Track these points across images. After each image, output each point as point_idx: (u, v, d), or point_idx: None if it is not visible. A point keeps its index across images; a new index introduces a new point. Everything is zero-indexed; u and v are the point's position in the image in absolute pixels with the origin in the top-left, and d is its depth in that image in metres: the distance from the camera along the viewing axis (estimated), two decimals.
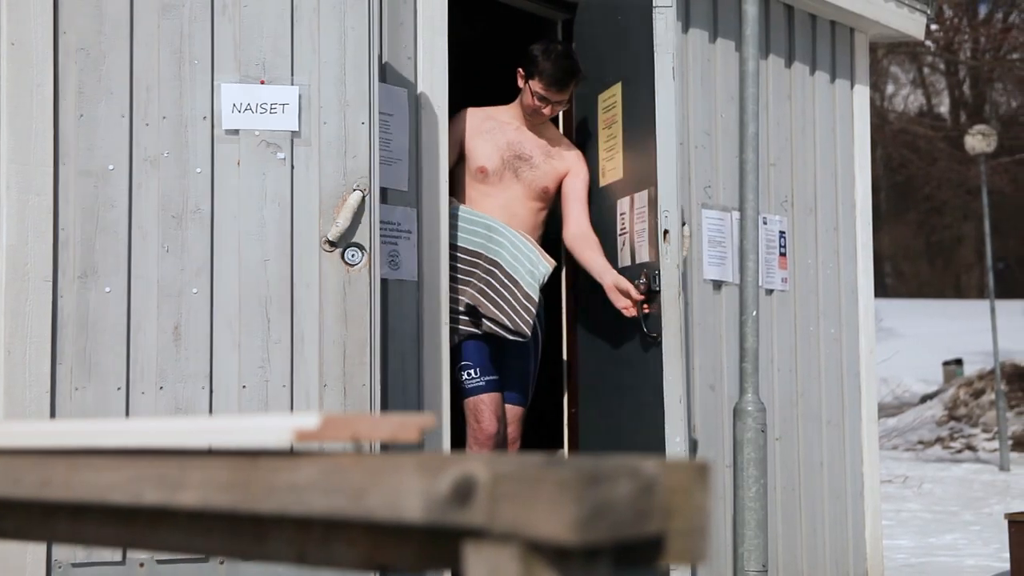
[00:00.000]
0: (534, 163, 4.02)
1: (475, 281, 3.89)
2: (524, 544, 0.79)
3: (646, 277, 3.77)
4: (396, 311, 3.61)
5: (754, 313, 4.01)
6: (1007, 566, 5.90)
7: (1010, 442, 15.39)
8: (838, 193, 5.42)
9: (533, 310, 3.90)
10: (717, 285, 4.79)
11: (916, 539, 7.88)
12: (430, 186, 3.73)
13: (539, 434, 4.97)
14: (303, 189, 3.20)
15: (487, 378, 3.92)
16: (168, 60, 3.17)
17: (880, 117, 25.02)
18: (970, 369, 19.59)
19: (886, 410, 19.03)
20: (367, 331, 3.18)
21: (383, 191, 3.60)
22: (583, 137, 4.28)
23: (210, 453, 1.01)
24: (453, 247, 3.85)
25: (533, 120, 3.98)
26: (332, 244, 3.15)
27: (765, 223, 4.99)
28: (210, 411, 3.11)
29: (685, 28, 4.74)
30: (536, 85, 3.89)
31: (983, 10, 23.17)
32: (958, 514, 9.43)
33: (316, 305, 3.17)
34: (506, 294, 3.88)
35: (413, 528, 0.87)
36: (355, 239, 3.17)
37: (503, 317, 3.86)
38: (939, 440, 16.89)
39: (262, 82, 3.21)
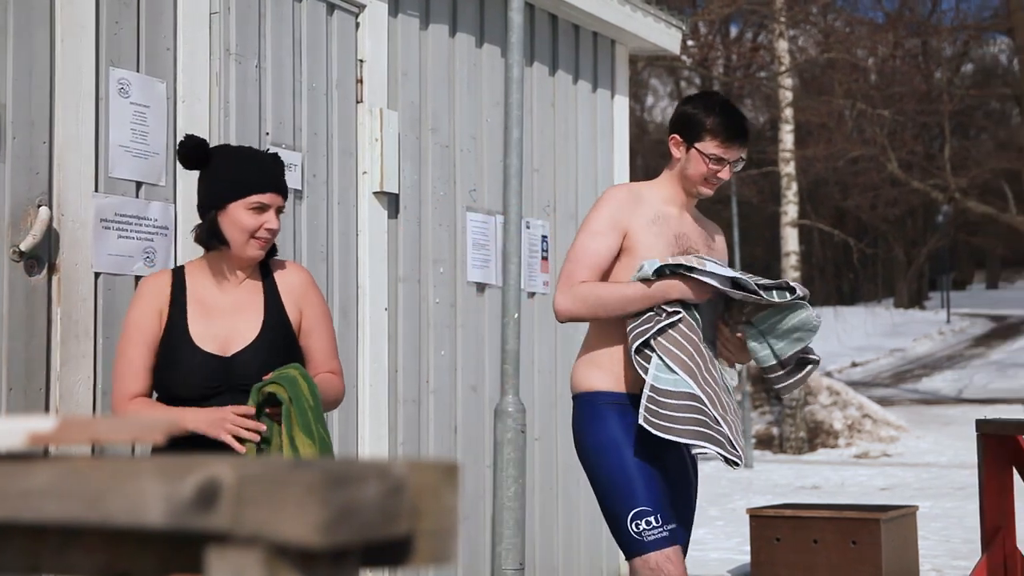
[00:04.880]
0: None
1: (700, 378, 3.03)
2: (269, 547, 0.77)
3: None
4: None
5: (516, 315, 4.08)
6: (748, 558, 6.21)
7: (754, 441, 16.24)
8: None
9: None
10: (480, 287, 4.85)
11: None
12: (190, 180, 3.62)
13: None
14: None
15: (670, 526, 3.03)
16: None
17: (640, 127, 25.96)
18: None
19: None
20: (44, 338, 3.21)
21: (137, 185, 3.48)
22: None
23: None
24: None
25: (702, 194, 3.25)
26: (20, 255, 3.16)
27: (528, 227, 5.08)
28: None
29: (452, 32, 4.78)
30: (710, 146, 3.19)
31: (735, 29, 24.39)
32: (705, 510, 9.86)
33: (3, 312, 3.09)
34: (728, 401, 3.11)
35: (155, 534, 0.84)
36: (37, 251, 3.19)
37: (731, 433, 3.05)
38: None
39: None
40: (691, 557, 7.10)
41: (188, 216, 3.61)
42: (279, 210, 2.73)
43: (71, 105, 3.28)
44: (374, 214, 4.32)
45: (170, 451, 2.56)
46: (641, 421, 2.93)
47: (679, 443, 2.98)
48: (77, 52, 3.30)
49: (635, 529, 2.98)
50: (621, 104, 5.78)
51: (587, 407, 3.12)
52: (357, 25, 4.31)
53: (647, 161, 30.11)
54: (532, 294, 5.12)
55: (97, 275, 3.34)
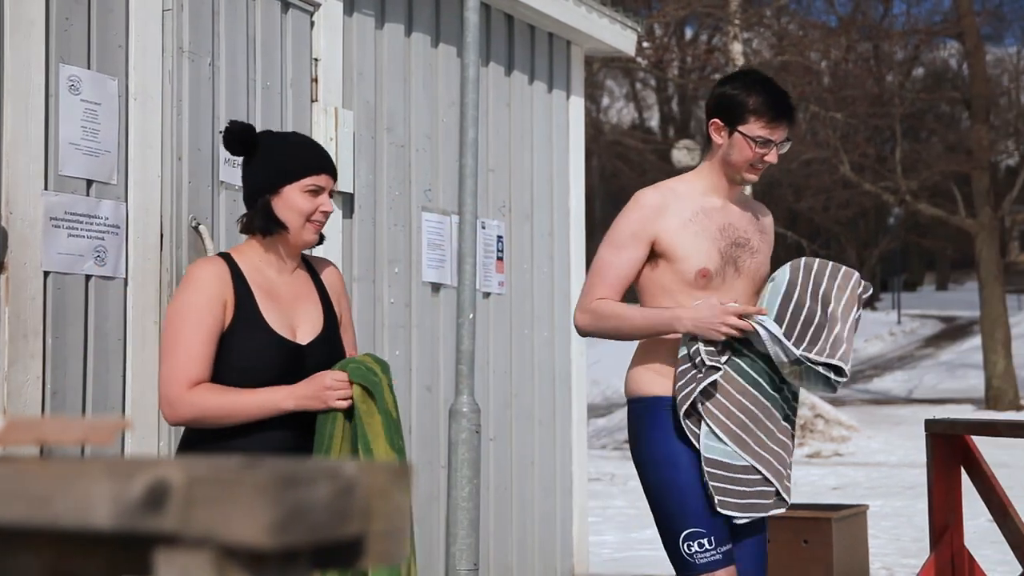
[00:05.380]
0: (752, 247, 3.11)
1: (753, 443, 2.95)
2: (218, 549, 0.77)
3: None
4: (100, 310, 3.45)
5: (471, 316, 4.08)
6: None
7: None
8: (553, 200, 5.59)
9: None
10: (435, 287, 4.85)
11: (620, 534, 8.22)
12: (142, 179, 3.59)
13: None
14: None
15: (724, 547, 2.94)
16: None
17: (595, 128, 26.02)
18: None
19: (596, 411, 19.78)
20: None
21: (88, 183, 3.44)
22: None
23: None
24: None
25: (746, 180, 3.07)
26: None
27: (483, 227, 5.08)
28: None
29: (408, 32, 4.77)
30: (755, 128, 2.99)
31: (689, 31, 24.52)
32: None
33: None
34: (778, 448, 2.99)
35: (102, 535, 0.83)
36: None
37: (780, 481, 2.96)
38: None
39: None
40: (643, 556, 7.14)
41: (139, 215, 3.57)
42: (330, 194, 2.68)
43: (20, 102, 3.24)
44: None
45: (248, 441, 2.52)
46: (719, 508, 2.88)
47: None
48: (27, 48, 3.26)
49: (687, 551, 2.90)
50: (576, 105, 5.79)
51: (645, 414, 2.99)
52: (312, 23, 4.29)
53: (602, 162, 30.21)
54: (487, 294, 5.12)
55: (46, 274, 3.30)
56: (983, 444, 3.43)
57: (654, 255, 3.00)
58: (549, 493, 5.42)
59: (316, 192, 2.62)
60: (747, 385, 2.91)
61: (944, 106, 30.07)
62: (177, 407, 2.51)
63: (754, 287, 3.06)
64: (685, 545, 2.89)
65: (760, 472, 2.90)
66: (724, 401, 2.89)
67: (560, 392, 5.55)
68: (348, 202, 4.41)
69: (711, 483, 2.88)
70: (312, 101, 4.28)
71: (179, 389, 2.51)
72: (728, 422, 2.88)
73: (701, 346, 2.86)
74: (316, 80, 4.29)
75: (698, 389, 2.85)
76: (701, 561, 2.88)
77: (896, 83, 23.44)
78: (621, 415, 19.05)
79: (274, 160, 2.63)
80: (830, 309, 2.94)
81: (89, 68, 3.46)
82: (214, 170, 3.81)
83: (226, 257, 2.66)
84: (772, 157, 3.01)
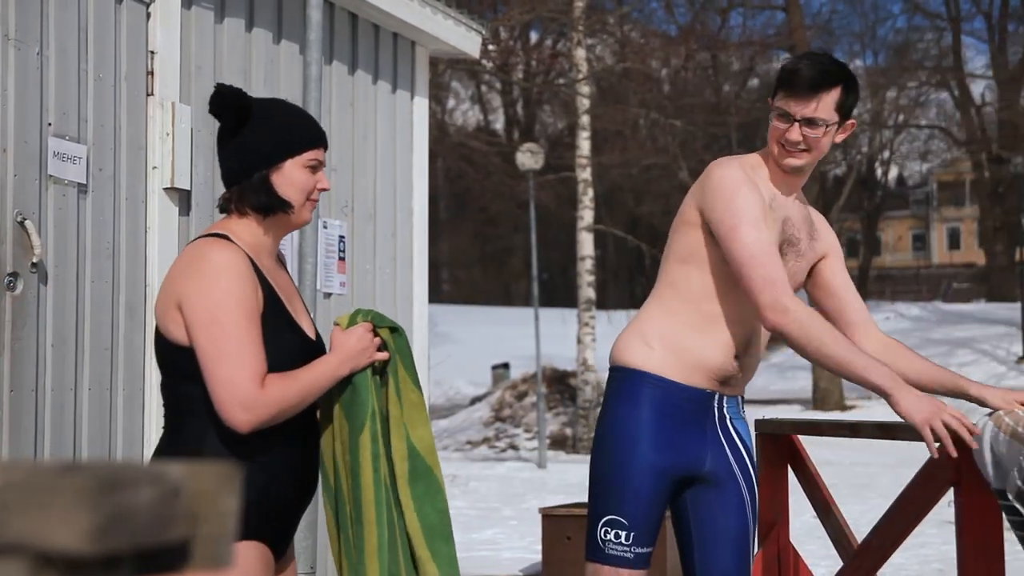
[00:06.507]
0: (800, 249, 2.80)
1: None
2: (34, 556, 0.74)
3: None
4: None
5: (312, 316, 4.03)
6: (540, 556, 6.31)
7: (548, 441, 16.52)
8: (397, 201, 5.57)
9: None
10: None
11: (460, 535, 8.23)
12: None
13: None
14: None
15: (641, 549, 2.72)
16: None
17: (440, 129, 26.05)
18: (516, 373, 20.83)
19: (438, 412, 19.78)
20: None
21: None
22: None
23: None
24: None
25: (784, 166, 2.70)
26: None
27: (325, 227, 5.03)
28: None
29: (249, 27, 4.68)
30: (778, 98, 2.68)
31: (535, 35, 24.77)
32: (499, 510, 9.99)
33: None
34: None
35: None
36: None
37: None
38: (486, 440, 17.81)
39: None
40: (484, 557, 7.17)
41: None
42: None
43: None
44: (164, 211, 4.20)
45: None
46: None
47: (726, 461, 2.74)
48: None
49: (601, 535, 2.71)
50: (421, 105, 5.78)
51: (625, 384, 2.72)
52: (148, 15, 4.18)
53: (447, 164, 30.25)
54: (328, 295, 5.07)
55: None
56: (809, 443, 3.56)
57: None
58: None
59: (315, 168, 2.38)
60: None
61: None
62: (256, 409, 2.21)
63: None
64: (602, 530, 2.70)
65: None
66: None
67: None
68: (185, 199, 4.31)
69: None
70: (148, 95, 4.17)
71: (254, 389, 2.21)
72: None
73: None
74: (152, 74, 4.18)
75: None
76: (610, 552, 2.70)
77: (732, 92, 24.14)
78: (463, 416, 19.11)
79: (273, 130, 2.35)
80: None
81: None
82: (42, 164, 3.68)
83: (228, 240, 2.33)
84: (794, 134, 2.64)
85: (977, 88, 36.79)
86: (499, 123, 41.00)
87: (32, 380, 3.63)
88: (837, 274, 2.85)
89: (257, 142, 2.34)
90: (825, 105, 2.63)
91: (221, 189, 4.51)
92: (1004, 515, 2.66)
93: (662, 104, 20.69)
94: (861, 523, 4.49)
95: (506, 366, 21.72)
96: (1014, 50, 32.64)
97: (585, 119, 16.91)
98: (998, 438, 2.61)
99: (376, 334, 2.39)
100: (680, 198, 2.92)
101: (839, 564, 3.34)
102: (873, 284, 43.05)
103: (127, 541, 0.75)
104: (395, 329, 2.42)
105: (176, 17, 4.26)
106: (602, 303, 21.11)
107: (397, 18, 5.38)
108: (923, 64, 34.36)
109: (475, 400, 20.40)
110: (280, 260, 2.49)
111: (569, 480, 12.97)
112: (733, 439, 2.78)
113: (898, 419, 2.61)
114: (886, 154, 44.98)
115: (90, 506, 0.73)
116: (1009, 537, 2.69)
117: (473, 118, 40.98)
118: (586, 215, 16.88)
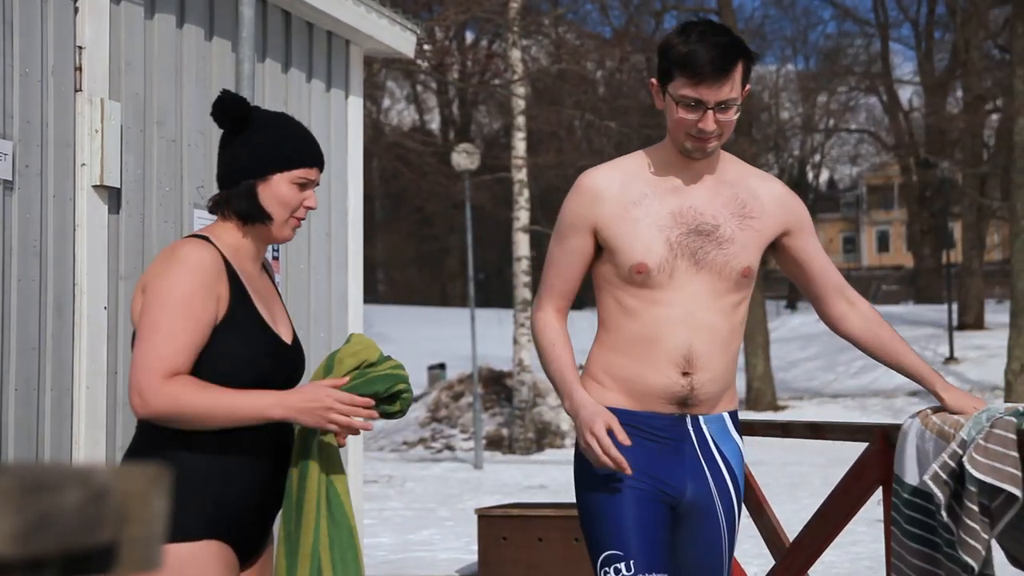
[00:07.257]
0: (723, 235, 2.58)
1: None
2: None
3: None
4: None
5: None
6: (476, 557, 6.31)
7: (484, 441, 16.52)
8: (331, 201, 5.53)
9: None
10: None
11: (396, 536, 8.21)
12: None
13: None
14: None
15: (648, 574, 2.54)
16: None
17: (376, 129, 25.95)
18: (452, 373, 20.81)
19: None
20: None
21: None
22: None
23: None
24: None
25: (692, 153, 2.54)
26: None
27: None
28: None
29: (180, 23, 4.62)
30: (678, 85, 2.48)
31: (470, 35, 24.77)
32: (435, 510, 9.96)
33: None
34: None
35: None
36: None
37: None
38: (422, 440, 17.77)
39: None
40: (420, 557, 7.15)
41: None
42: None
43: None
44: (93, 208, 4.13)
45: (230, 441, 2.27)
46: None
47: (703, 477, 2.62)
48: None
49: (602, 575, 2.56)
50: (355, 105, 5.75)
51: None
52: (76, 10, 4.10)
53: (383, 163, 30.13)
54: None
55: None
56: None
57: (600, 245, 2.59)
58: None
59: (304, 186, 2.40)
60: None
61: None
62: (149, 397, 2.20)
63: (723, 284, 2.58)
64: (603, 571, 2.55)
65: None
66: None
67: None
68: (115, 197, 4.24)
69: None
70: (76, 91, 4.10)
71: (154, 377, 2.20)
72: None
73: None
74: (80, 69, 4.10)
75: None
76: None
77: None
78: None
79: (268, 142, 2.39)
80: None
81: None
82: None
83: (210, 242, 2.35)
84: (707, 123, 2.46)
85: (905, 93, 37.48)
86: (435, 123, 40.95)
87: None
88: (801, 250, 2.71)
89: (250, 151, 2.40)
90: (734, 83, 2.48)
91: (152, 187, 4.46)
92: (895, 513, 2.68)
93: (597, 106, 20.80)
94: (793, 522, 4.54)
95: (442, 366, 21.69)
96: (940, 56, 33.26)
97: (521, 120, 16.95)
98: (924, 435, 2.65)
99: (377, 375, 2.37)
100: None
101: (771, 563, 3.37)
102: None
103: (53, 543, 0.74)
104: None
105: (105, 12, 4.19)
106: None
107: (331, 16, 5.35)
108: (853, 69, 34.92)
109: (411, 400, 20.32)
110: (265, 267, 2.52)
111: (505, 480, 12.99)
112: (716, 464, 2.64)
113: (830, 420, 2.64)
114: (817, 158, 45.65)
115: (14, 508, 0.71)
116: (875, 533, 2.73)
117: (408, 118, 40.90)
118: (522, 216, 16.92)
